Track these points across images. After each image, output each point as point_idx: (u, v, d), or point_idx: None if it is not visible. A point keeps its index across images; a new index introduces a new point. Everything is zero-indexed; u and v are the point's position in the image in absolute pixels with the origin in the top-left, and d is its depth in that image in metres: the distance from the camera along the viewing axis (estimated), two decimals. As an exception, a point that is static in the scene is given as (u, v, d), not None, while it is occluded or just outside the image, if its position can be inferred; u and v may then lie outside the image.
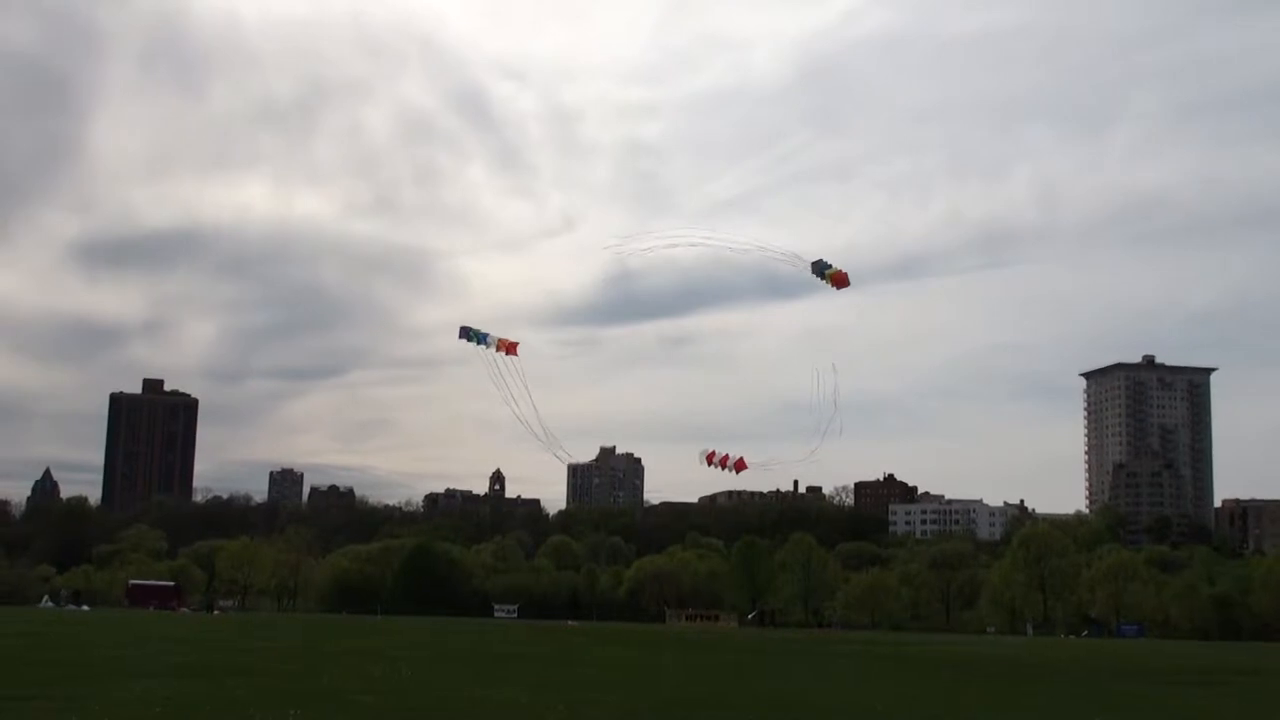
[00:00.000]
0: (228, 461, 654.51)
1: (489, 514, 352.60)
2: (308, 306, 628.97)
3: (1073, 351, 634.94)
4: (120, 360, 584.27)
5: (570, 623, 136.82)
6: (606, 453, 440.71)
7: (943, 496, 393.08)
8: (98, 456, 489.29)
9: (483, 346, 51.14)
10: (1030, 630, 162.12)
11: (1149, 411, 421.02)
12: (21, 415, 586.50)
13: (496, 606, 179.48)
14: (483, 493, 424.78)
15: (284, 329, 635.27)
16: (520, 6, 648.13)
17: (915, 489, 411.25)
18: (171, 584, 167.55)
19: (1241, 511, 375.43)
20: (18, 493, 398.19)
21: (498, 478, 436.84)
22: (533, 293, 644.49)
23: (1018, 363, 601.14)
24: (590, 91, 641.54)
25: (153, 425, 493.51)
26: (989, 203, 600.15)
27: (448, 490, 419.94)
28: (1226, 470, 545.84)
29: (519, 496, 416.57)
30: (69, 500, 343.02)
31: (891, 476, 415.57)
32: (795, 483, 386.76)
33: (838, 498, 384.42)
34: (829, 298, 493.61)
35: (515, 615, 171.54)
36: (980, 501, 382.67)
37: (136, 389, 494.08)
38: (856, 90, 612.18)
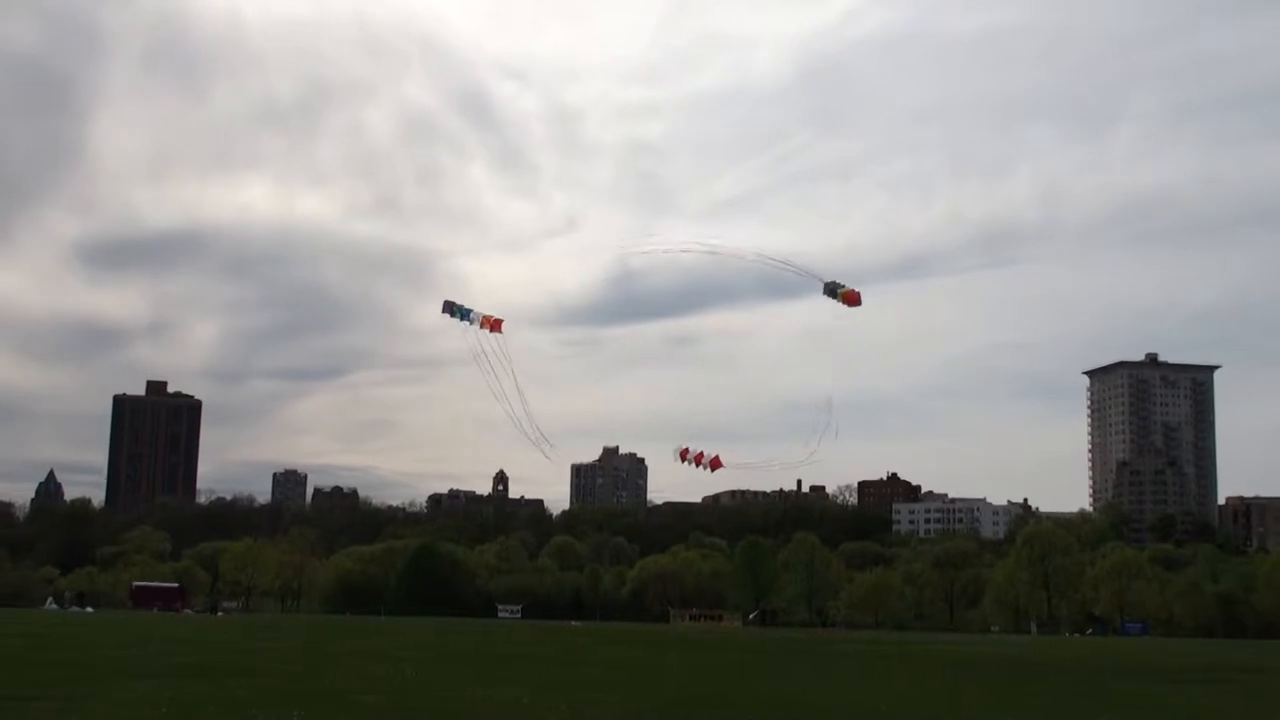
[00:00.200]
0: (231, 462, 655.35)
1: (492, 514, 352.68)
2: (310, 307, 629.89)
3: (1074, 350, 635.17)
4: (123, 361, 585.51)
5: (574, 623, 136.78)
6: (609, 453, 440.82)
7: (946, 495, 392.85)
8: (101, 458, 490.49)
9: (466, 323, 50.30)
10: (1034, 629, 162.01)
11: (1152, 409, 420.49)
12: (25, 417, 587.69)
13: (500, 607, 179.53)
14: (486, 493, 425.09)
15: (286, 330, 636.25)
16: (522, 7, 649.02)
17: (919, 488, 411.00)
18: (175, 585, 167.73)
19: (1245, 509, 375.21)
20: (21, 494, 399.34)
21: (501, 478, 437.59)
22: (535, 293, 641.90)
23: (1020, 362, 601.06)
24: (592, 91, 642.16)
25: (156, 426, 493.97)
26: (990, 202, 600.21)
27: (451, 491, 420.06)
28: (1230, 468, 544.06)
29: (522, 497, 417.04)
30: (73, 502, 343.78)
31: (895, 476, 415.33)
32: (799, 482, 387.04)
33: (841, 497, 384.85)
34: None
35: (519, 616, 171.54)
36: (984, 500, 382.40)
37: (140, 390, 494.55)
38: (857, 90, 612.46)
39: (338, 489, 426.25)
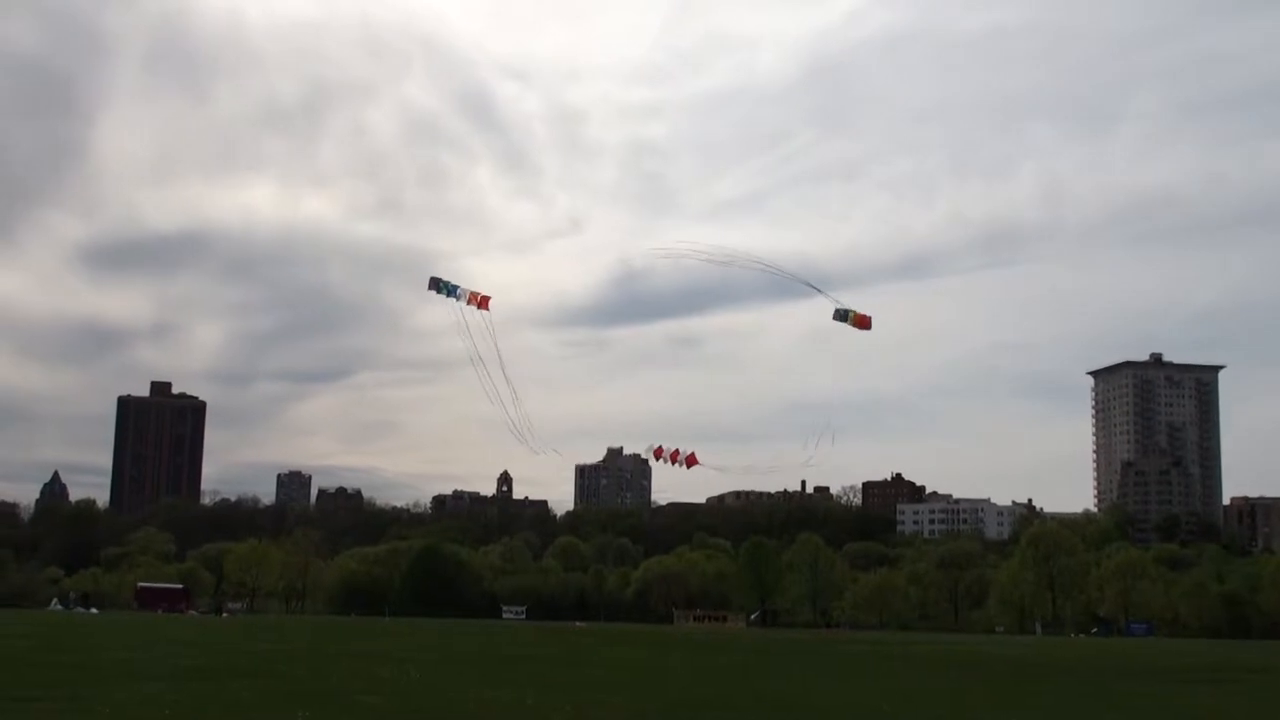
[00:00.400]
0: (235, 464, 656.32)
1: (496, 515, 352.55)
2: (314, 308, 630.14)
3: (1077, 350, 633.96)
4: (127, 363, 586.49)
5: (578, 624, 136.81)
6: (613, 454, 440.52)
7: (950, 496, 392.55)
8: (106, 459, 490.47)
9: (453, 299, 49.58)
10: (1039, 629, 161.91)
11: (1157, 409, 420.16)
12: (29, 418, 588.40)
13: (504, 608, 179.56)
14: (490, 494, 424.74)
15: (290, 331, 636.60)
16: (524, 7, 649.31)
17: (923, 488, 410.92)
18: (180, 586, 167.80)
19: (1250, 509, 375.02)
20: (26, 495, 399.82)
21: (505, 479, 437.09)
22: (538, 294, 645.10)
23: (1023, 362, 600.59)
24: (594, 92, 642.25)
25: (161, 428, 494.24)
26: (992, 202, 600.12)
27: (455, 492, 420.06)
28: (1235, 468, 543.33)
29: (526, 498, 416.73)
30: (77, 503, 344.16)
31: (899, 476, 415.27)
32: (803, 483, 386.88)
33: (845, 498, 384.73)
34: (835, 299, 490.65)
35: (523, 616, 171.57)
36: (988, 501, 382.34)
37: (144, 392, 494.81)
38: (860, 90, 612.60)
39: (342, 490, 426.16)
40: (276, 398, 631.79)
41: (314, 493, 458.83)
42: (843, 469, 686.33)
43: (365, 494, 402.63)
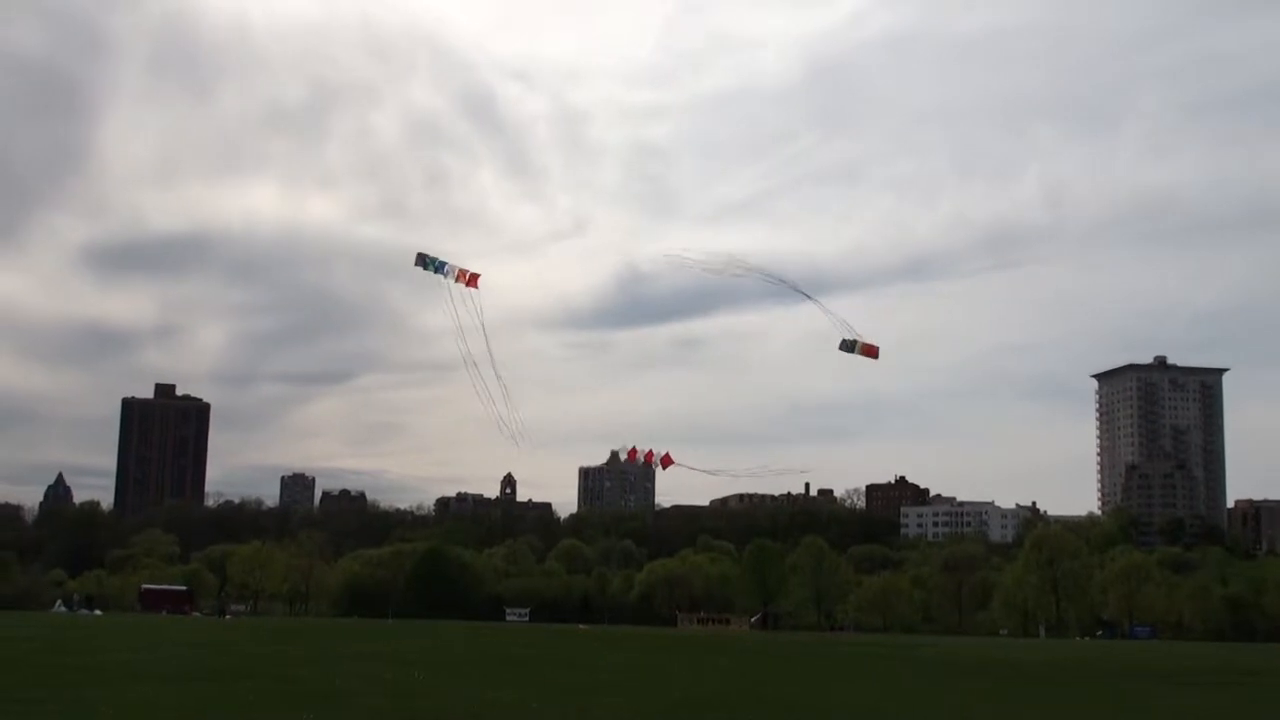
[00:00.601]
0: (239, 466, 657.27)
1: (500, 518, 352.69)
2: (318, 310, 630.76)
3: (1082, 352, 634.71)
4: (132, 365, 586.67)
5: (582, 626, 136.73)
6: (617, 456, 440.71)
7: (954, 499, 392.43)
8: (110, 461, 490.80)
9: (440, 276, 48.23)
10: (1043, 632, 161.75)
11: (1161, 412, 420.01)
12: (34, 420, 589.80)
13: (508, 610, 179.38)
14: (494, 496, 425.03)
15: (294, 333, 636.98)
16: (527, 9, 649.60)
17: (927, 491, 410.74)
18: (184, 588, 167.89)
19: (1254, 512, 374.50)
20: (30, 498, 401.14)
21: (509, 481, 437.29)
22: (542, 296, 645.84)
23: (1027, 364, 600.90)
24: (597, 94, 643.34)
25: (165, 430, 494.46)
26: (996, 204, 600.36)
27: (459, 494, 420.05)
28: (1239, 471, 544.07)
29: (530, 500, 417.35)
30: (81, 505, 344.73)
31: (903, 479, 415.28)
32: (806, 486, 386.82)
33: (849, 500, 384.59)
34: (837, 300, 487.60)
35: (527, 619, 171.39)
36: (992, 503, 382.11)
37: (148, 394, 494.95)
38: (864, 91, 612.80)
39: (346, 492, 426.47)
40: (280, 400, 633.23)
41: (318, 495, 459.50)
42: (846, 472, 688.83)
43: (369, 496, 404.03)
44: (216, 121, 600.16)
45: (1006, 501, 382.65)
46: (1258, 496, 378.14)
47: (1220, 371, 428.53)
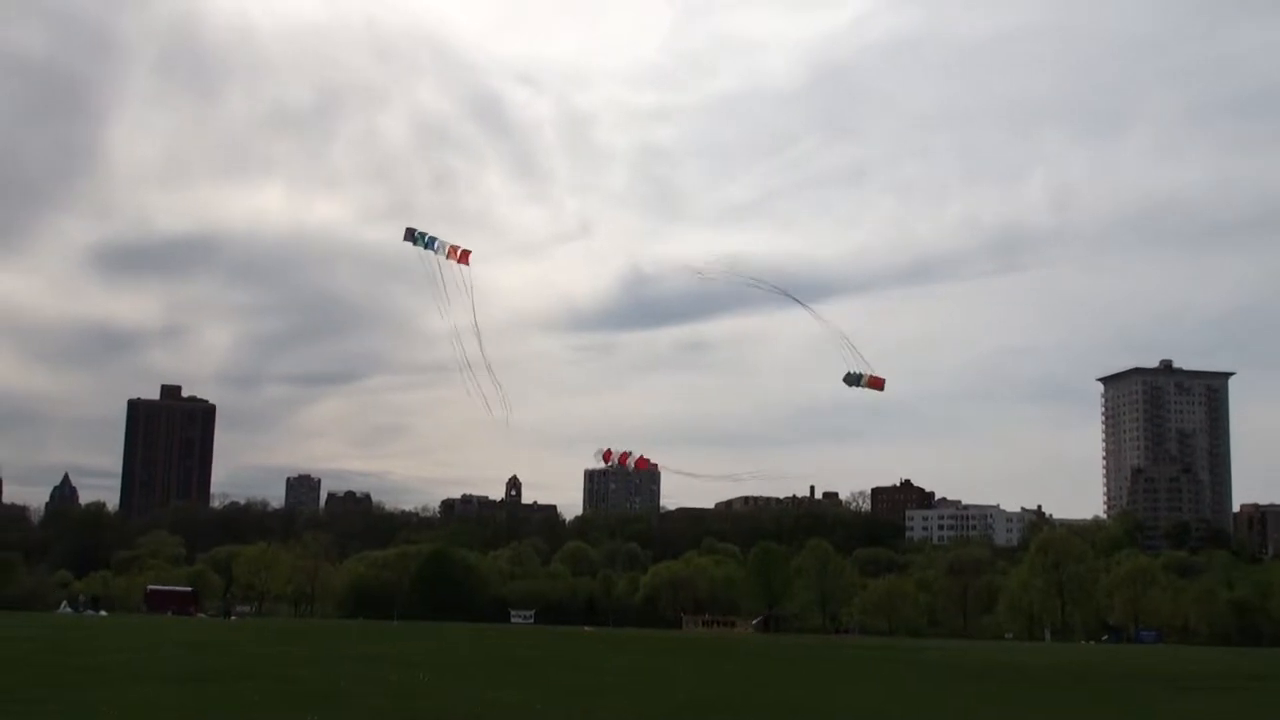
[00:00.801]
0: (245, 467, 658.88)
1: (505, 520, 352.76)
2: (324, 312, 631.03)
3: (1088, 355, 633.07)
4: (138, 366, 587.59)
5: (586, 629, 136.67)
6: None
7: (960, 502, 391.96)
8: (116, 462, 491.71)
9: (430, 252, 47.39)
10: (1048, 636, 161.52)
11: (1167, 416, 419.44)
12: (40, 421, 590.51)
13: (513, 612, 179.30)
14: (499, 498, 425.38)
15: (300, 335, 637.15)
16: (533, 11, 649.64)
17: (932, 494, 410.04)
18: (189, 589, 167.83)
19: (1260, 516, 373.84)
20: (36, 498, 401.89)
21: (514, 483, 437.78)
22: (548, 298, 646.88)
23: (1033, 367, 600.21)
24: (603, 96, 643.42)
25: (170, 431, 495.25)
26: (1003, 206, 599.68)
27: (464, 496, 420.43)
28: (1245, 475, 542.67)
29: (535, 502, 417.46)
30: (87, 506, 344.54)
31: (908, 482, 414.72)
32: (811, 488, 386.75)
33: (854, 503, 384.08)
34: (843, 302, 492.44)
35: (532, 621, 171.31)
36: (997, 507, 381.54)
37: (154, 395, 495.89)
38: (869, 94, 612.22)
39: (351, 494, 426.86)
40: (286, 401, 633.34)
41: (323, 496, 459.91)
42: (852, 475, 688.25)
43: (374, 498, 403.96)
44: (223, 123, 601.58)
45: (1012, 505, 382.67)
46: (1263, 500, 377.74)
47: (1226, 375, 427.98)
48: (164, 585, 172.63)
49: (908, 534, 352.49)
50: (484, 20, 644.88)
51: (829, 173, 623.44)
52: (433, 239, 47.79)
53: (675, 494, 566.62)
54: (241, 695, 29.16)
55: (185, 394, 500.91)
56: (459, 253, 47.47)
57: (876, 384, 48.85)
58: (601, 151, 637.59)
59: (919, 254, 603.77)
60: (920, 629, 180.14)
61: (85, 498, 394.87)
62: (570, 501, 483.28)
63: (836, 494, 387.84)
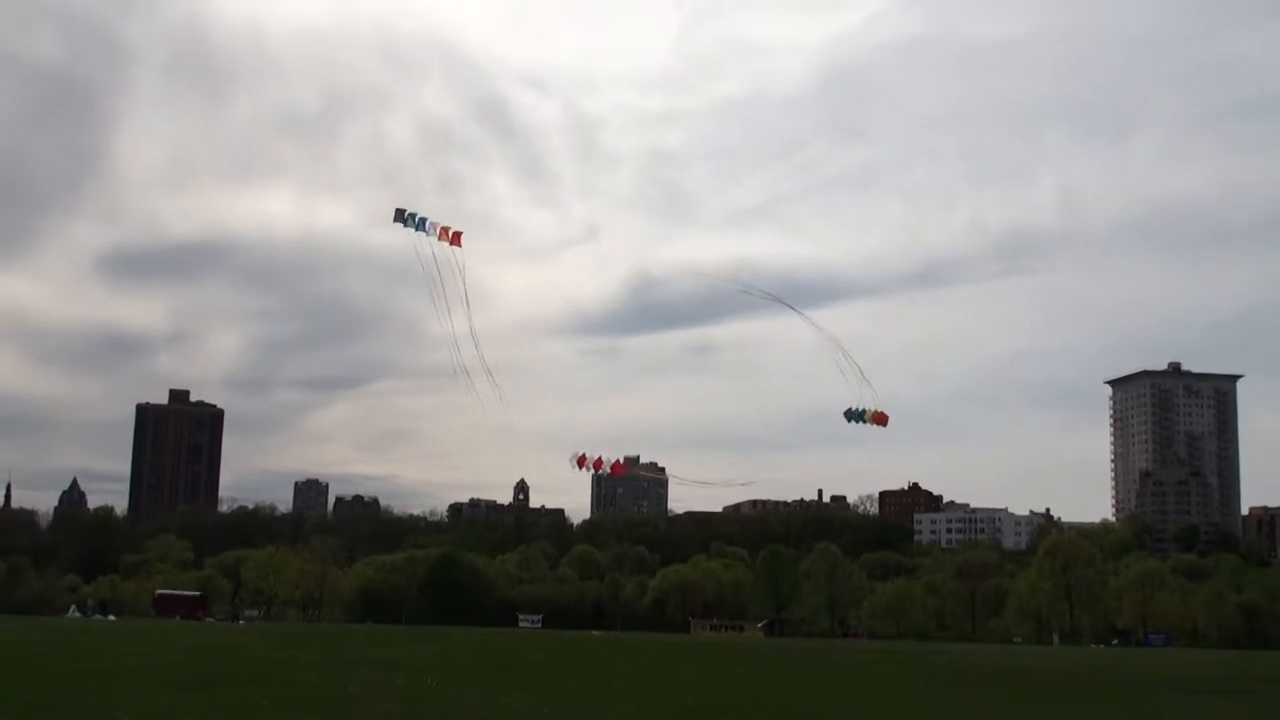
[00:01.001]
0: (253, 471, 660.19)
1: (513, 524, 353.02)
2: (332, 316, 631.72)
3: (1096, 358, 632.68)
4: (146, 371, 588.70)
5: (594, 632, 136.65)
6: (630, 462, 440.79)
7: (968, 505, 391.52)
8: (124, 467, 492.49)
9: (421, 233, 46.33)
10: (1057, 640, 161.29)
11: (1175, 419, 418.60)
12: (48, 425, 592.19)
13: (521, 616, 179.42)
14: (507, 502, 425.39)
15: (309, 339, 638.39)
16: (541, 15, 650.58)
17: (940, 498, 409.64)
18: (197, 594, 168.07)
19: (1269, 519, 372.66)
20: (45, 503, 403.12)
21: (522, 487, 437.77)
22: (555, 302, 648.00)
23: (1040, 370, 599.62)
24: (611, 100, 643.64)
25: (179, 435, 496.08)
26: (1011, 210, 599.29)
27: (472, 500, 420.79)
28: (1254, 478, 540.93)
29: (543, 506, 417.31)
30: (96, 510, 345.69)
31: (916, 485, 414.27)
32: (819, 492, 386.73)
33: (862, 507, 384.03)
34: (851, 306, 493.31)
35: (539, 625, 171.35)
36: (1005, 510, 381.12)
37: (163, 399, 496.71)
38: (877, 97, 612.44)
39: (359, 498, 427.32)
40: (294, 406, 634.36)
41: (331, 500, 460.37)
42: (859, 478, 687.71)
43: (382, 502, 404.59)
44: (231, 128, 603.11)
45: (1020, 508, 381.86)
46: (1272, 504, 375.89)
47: (1235, 378, 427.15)
48: (172, 590, 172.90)
49: (916, 537, 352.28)
50: (491, 24, 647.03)
51: (837, 176, 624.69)
52: (423, 220, 46.79)
53: (683, 497, 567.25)
54: (250, 700, 29.18)
55: (194, 398, 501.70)
56: (450, 234, 46.42)
57: (880, 419, 48.39)
58: (609, 155, 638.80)
59: (927, 257, 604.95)
60: (928, 632, 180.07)
61: (94, 502, 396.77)
62: (578, 505, 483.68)
63: (844, 497, 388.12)
